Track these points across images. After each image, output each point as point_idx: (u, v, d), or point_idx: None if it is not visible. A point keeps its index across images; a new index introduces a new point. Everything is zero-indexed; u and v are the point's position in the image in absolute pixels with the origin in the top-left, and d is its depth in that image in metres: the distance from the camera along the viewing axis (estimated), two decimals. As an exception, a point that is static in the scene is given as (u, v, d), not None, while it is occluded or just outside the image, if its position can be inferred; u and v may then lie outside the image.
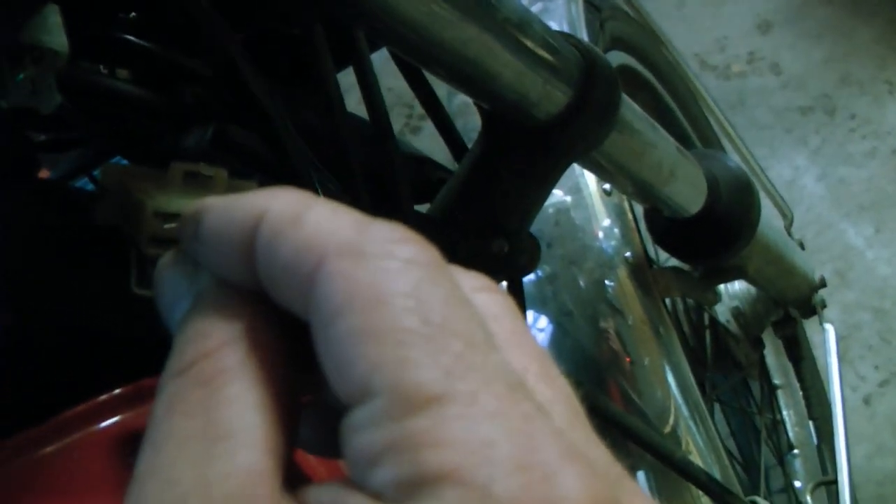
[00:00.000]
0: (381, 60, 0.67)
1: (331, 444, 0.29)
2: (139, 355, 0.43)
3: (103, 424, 0.42)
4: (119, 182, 0.41)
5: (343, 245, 0.27)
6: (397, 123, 2.30)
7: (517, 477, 0.23)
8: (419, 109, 0.82)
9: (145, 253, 0.40)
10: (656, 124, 0.79)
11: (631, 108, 0.73)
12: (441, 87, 0.69)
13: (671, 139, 0.82)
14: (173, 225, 0.40)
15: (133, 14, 0.54)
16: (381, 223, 0.28)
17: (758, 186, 1.29)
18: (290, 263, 0.27)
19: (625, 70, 1.42)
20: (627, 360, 1.03)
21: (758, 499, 0.97)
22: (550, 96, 0.61)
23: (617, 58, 1.39)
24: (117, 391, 0.42)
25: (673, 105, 1.58)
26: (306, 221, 0.28)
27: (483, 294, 0.30)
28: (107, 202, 0.42)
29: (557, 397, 0.29)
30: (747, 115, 2.31)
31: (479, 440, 0.24)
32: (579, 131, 0.64)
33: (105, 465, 0.41)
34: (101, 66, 0.53)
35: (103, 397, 0.42)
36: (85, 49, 0.50)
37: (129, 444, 0.42)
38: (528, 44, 0.57)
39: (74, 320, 0.43)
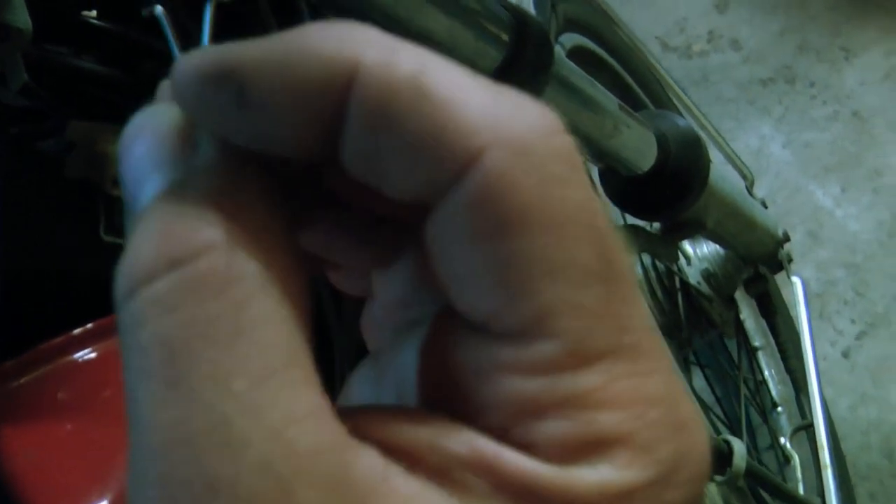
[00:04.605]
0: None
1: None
2: (108, 297, 0.47)
3: (77, 355, 0.44)
4: (85, 137, 0.46)
5: (504, 134, 0.22)
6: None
7: (676, 439, 0.23)
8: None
9: (110, 194, 0.44)
10: (596, 83, 0.83)
11: (567, 66, 0.77)
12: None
13: (612, 97, 0.86)
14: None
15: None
16: (529, 101, 0.23)
17: (718, 152, 1.34)
18: (422, 143, 0.22)
19: (582, 51, 1.44)
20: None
21: (730, 437, 1.00)
22: (484, 54, 0.65)
23: (572, 39, 1.41)
24: (89, 325, 0.45)
25: (632, 83, 1.61)
26: (434, 88, 0.22)
27: None
28: (75, 156, 0.46)
29: None
30: (711, 91, 2.35)
31: (645, 400, 0.23)
32: (514, 87, 0.68)
33: (79, 392, 0.44)
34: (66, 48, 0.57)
35: (76, 331, 0.44)
36: (49, 32, 0.54)
37: (103, 373, 0.45)
38: (458, 3, 0.61)
39: (48, 264, 0.47)
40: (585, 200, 0.23)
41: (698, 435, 0.24)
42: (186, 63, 0.23)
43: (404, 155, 0.22)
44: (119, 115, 0.55)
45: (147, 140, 0.24)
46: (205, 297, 0.21)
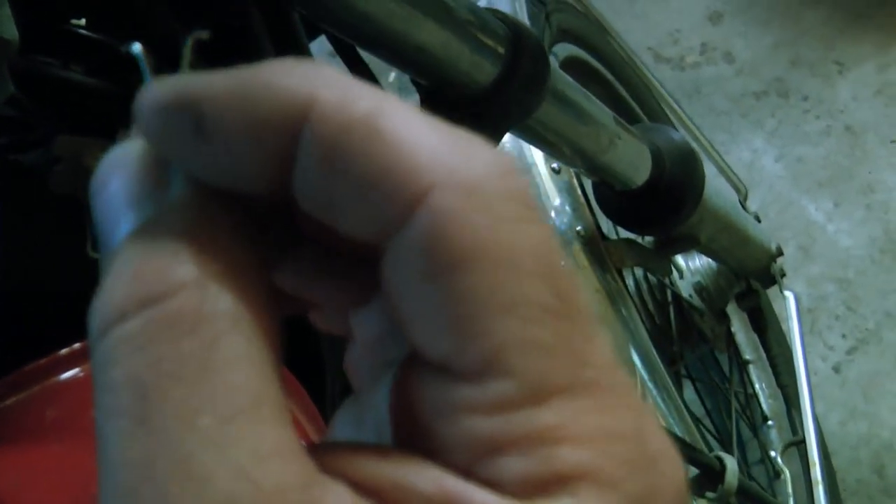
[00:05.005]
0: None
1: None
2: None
3: (64, 375, 0.43)
4: (72, 151, 0.45)
5: (453, 175, 0.22)
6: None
7: (645, 475, 0.23)
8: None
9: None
10: (591, 96, 0.82)
11: (563, 79, 0.77)
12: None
13: (608, 110, 0.86)
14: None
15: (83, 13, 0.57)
16: (482, 145, 0.23)
17: (711, 165, 1.33)
18: (371, 183, 0.22)
19: (575, 61, 1.45)
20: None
21: (722, 454, 0.99)
22: (480, 67, 0.64)
23: (566, 50, 1.41)
24: (76, 345, 0.44)
25: (625, 94, 1.61)
26: (386, 129, 0.22)
27: None
28: (62, 171, 0.45)
29: None
30: (704, 103, 2.35)
31: (609, 435, 0.23)
32: (510, 100, 0.67)
33: (66, 413, 0.43)
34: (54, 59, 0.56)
35: (63, 351, 0.44)
36: (37, 42, 0.53)
37: (88, 393, 0.44)
38: (453, 16, 0.61)
39: (34, 283, 0.46)
40: (539, 238, 0.23)
41: (672, 470, 0.24)
42: (149, 93, 0.24)
43: (355, 192, 0.22)
44: (107, 127, 0.54)
45: (119, 178, 0.24)
46: (175, 336, 0.21)
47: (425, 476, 0.22)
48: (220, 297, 0.22)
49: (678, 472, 0.24)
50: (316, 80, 0.23)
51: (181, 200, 0.24)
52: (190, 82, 0.23)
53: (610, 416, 0.23)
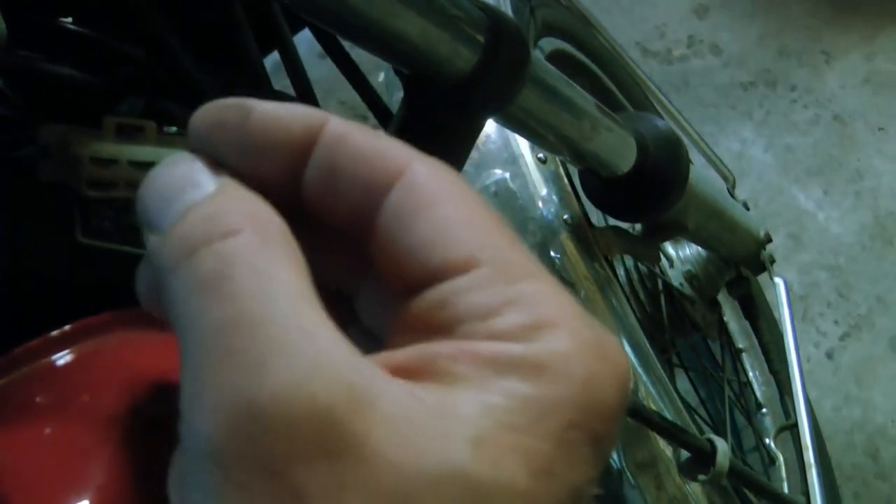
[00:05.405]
0: (334, 75, 0.73)
1: None
2: (84, 299, 0.47)
3: (54, 357, 0.44)
4: (60, 139, 0.46)
5: (418, 155, 0.33)
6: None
7: (596, 331, 0.31)
8: (373, 120, 0.86)
9: (85, 194, 0.44)
10: (573, 83, 0.83)
11: (543, 67, 0.77)
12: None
13: (590, 97, 0.86)
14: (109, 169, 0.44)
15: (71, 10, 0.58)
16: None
17: (699, 155, 1.34)
18: (367, 164, 0.32)
19: (562, 55, 1.45)
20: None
21: (713, 436, 1.00)
22: (460, 54, 0.65)
23: (552, 44, 1.42)
24: (66, 327, 0.44)
25: (613, 87, 1.61)
26: (375, 135, 0.33)
27: None
28: (50, 159, 0.46)
29: None
30: (692, 96, 2.36)
31: (568, 302, 0.31)
32: (490, 87, 0.68)
33: (57, 395, 0.43)
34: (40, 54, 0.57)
35: (53, 333, 0.44)
36: (23, 37, 0.54)
37: (81, 375, 0.45)
38: (432, 4, 0.62)
39: (24, 267, 0.47)
40: (471, 189, 0.32)
41: (614, 342, 0.31)
42: (212, 103, 0.33)
43: (354, 168, 0.32)
44: (94, 120, 0.55)
45: (178, 169, 0.32)
46: (243, 256, 0.28)
47: (441, 345, 0.29)
48: (273, 236, 0.29)
49: (620, 348, 0.32)
50: (329, 115, 0.32)
51: (227, 182, 0.31)
52: (250, 101, 0.32)
53: (566, 296, 0.31)
